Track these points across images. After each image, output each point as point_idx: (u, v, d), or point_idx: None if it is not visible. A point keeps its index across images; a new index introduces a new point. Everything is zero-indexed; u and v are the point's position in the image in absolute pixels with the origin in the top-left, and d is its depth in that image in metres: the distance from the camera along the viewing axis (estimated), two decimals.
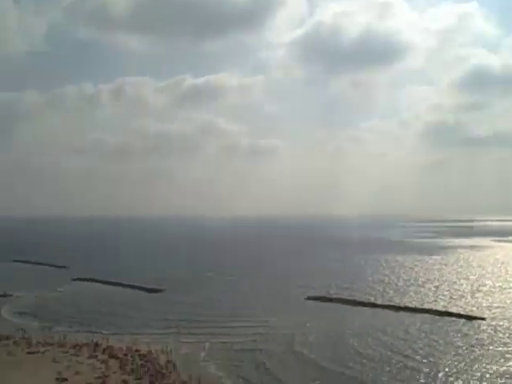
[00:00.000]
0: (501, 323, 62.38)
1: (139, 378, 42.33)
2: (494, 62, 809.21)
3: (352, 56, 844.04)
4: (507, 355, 49.20)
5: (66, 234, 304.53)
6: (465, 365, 46.39)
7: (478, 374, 43.71)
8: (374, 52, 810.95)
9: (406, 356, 49.25)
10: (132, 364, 45.93)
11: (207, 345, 53.80)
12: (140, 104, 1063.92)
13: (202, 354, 50.55)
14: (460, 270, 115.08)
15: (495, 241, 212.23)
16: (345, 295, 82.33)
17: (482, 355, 49.31)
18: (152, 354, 49.13)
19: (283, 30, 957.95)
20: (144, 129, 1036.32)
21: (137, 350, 50.34)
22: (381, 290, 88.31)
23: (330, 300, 79.21)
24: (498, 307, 71.76)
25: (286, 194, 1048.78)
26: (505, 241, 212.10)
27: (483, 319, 64.38)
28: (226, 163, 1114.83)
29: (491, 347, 52.11)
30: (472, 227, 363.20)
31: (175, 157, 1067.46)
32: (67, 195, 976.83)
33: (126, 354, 49.01)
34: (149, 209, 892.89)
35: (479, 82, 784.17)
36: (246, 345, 53.53)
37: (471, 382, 42.10)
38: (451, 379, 42.68)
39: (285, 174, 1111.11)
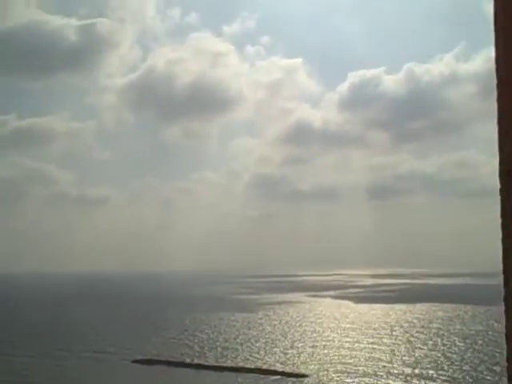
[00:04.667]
0: (323, 379, 66.25)
1: None
2: (315, 117, 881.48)
3: (184, 104, 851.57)
4: None
5: None
6: None
7: None
8: (206, 101, 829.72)
9: None
10: None
11: None
12: None
13: None
14: (275, 326, 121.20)
15: (310, 296, 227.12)
16: (171, 357, 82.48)
17: None
18: None
19: (115, 73, 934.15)
20: None
21: None
22: (205, 349, 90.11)
23: (157, 362, 78.80)
24: (317, 363, 76.31)
25: (113, 247, 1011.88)
26: (318, 296, 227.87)
27: (306, 376, 67.73)
28: (54, 213, 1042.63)
29: None
30: (290, 282, 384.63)
31: None
32: None
33: None
34: None
35: (302, 136, 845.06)
36: None
37: None
38: None
39: (114, 225, 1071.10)
